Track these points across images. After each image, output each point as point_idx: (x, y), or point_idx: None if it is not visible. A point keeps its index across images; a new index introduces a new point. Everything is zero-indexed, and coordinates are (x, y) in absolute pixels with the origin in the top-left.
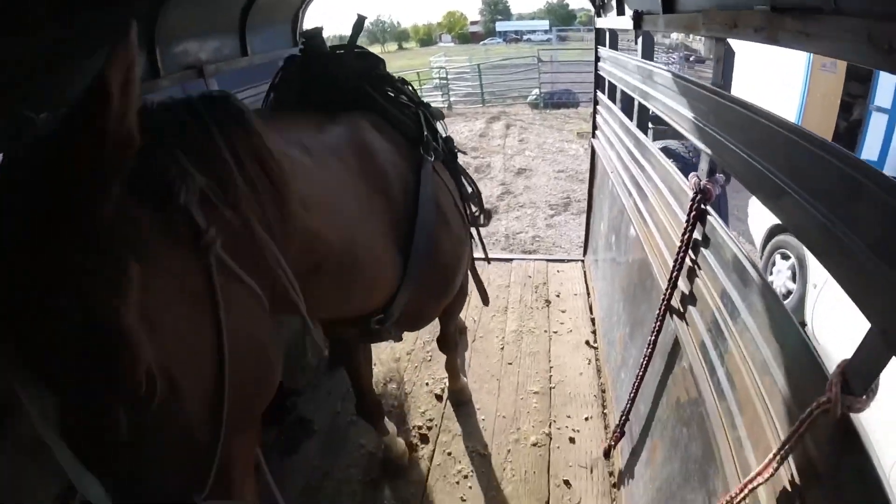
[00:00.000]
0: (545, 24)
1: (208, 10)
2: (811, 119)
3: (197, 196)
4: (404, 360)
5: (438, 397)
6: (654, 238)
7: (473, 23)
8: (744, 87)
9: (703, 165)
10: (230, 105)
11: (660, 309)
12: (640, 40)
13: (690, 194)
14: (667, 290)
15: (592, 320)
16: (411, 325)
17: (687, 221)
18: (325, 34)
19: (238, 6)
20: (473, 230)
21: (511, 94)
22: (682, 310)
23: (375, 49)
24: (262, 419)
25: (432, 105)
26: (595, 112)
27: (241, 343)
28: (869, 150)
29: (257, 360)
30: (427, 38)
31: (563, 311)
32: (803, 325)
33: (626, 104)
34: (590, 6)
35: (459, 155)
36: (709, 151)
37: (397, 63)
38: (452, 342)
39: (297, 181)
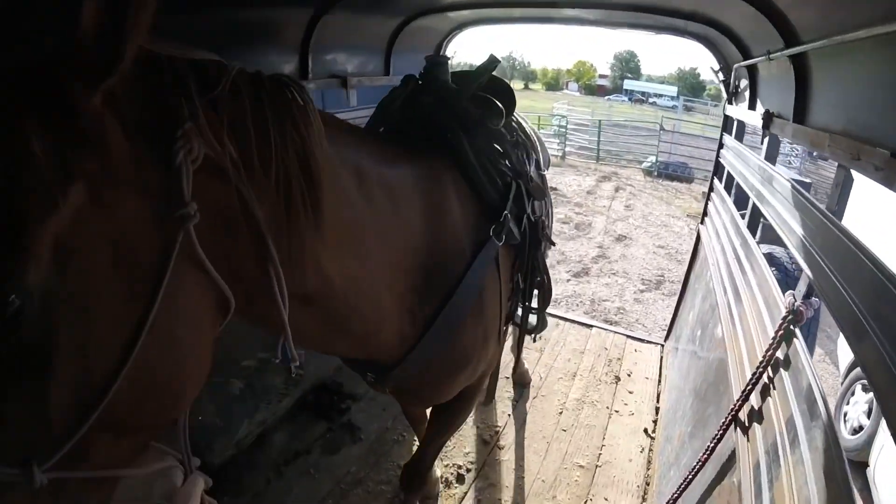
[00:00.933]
0: (673, 90)
1: (362, 28)
2: None
3: (199, 162)
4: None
5: (485, 442)
6: (738, 344)
7: (602, 76)
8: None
9: (802, 286)
10: (303, 91)
11: (726, 418)
12: (766, 140)
13: (783, 311)
14: (738, 401)
15: (657, 409)
16: (402, 397)
17: (773, 338)
18: (457, 60)
19: (389, 29)
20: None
21: (627, 156)
22: (746, 424)
23: None
24: (315, 412)
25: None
26: (708, 198)
27: (163, 340)
28: None
29: (172, 368)
30: (554, 83)
31: (631, 393)
32: (866, 465)
33: (740, 199)
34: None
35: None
36: (809, 274)
37: (521, 103)
38: (419, 480)
39: (331, 205)
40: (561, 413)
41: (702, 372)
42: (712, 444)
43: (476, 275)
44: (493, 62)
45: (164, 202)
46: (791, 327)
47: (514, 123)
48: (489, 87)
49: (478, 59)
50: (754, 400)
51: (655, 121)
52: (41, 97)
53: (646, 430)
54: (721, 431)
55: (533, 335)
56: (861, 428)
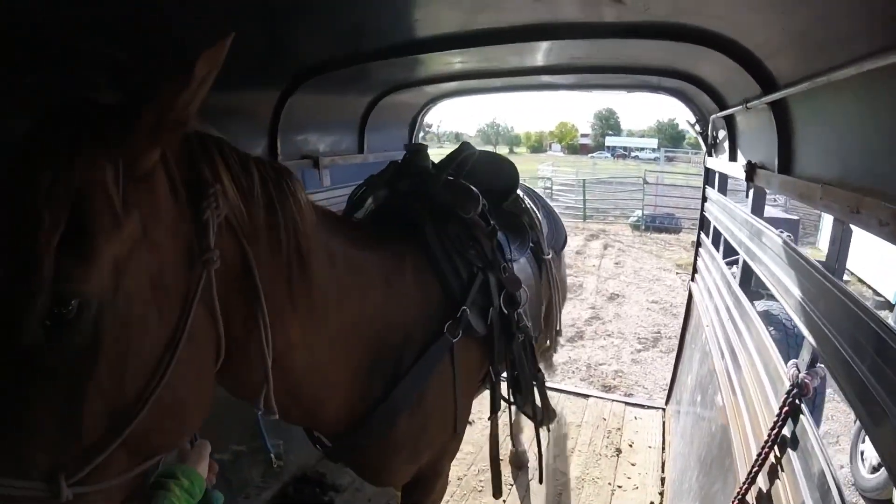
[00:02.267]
0: (654, 142)
1: (333, 106)
2: None
3: (221, 219)
4: (454, 484)
5: None
6: (741, 415)
7: (584, 135)
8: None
9: (805, 354)
10: (293, 178)
11: (733, 501)
12: (751, 192)
13: (787, 384)
14: (744, 483)
15: (662, 480)
16: (355, 471)
17: (778, 415)
18: (443, 129)
19: (361, 105)
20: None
21: (613, 212)
22: None
23: (487, 150)
24: None
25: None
26: (697, 254)
27: (186, 364)
28: None
29: (190, 392)
30: (538, 146)
31: (633, 465)
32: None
33: (729, 254)
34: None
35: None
36: (812, 341)
37: None
38: None
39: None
40: (561, 494)
41: (705, 442)
42: None
43: (423, 368)
44: (463, 148)
45: (192, 248)
46: (797, 402)
47: (520, 202)
48: (489, 169)
49: (464, 127)
50: (762, 482)
51: (639, 174)
52: (117, 140)
53: None
54: None
55: (540, 425)
56: (880, 466)
